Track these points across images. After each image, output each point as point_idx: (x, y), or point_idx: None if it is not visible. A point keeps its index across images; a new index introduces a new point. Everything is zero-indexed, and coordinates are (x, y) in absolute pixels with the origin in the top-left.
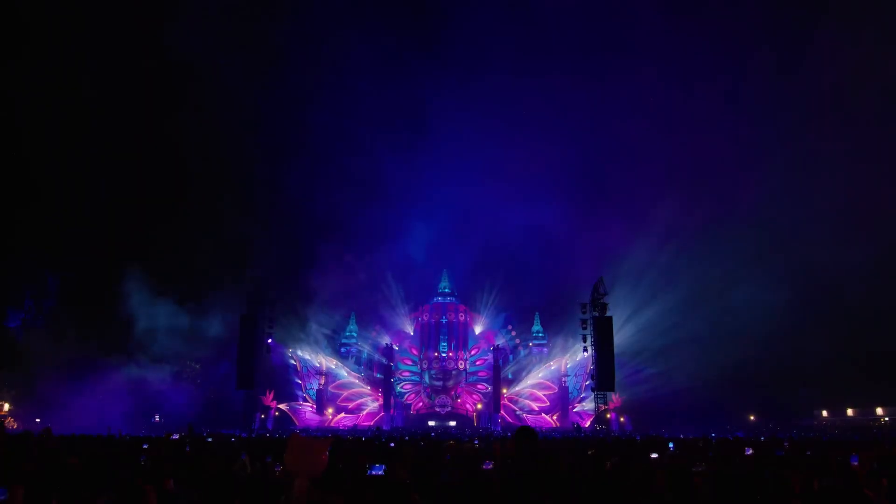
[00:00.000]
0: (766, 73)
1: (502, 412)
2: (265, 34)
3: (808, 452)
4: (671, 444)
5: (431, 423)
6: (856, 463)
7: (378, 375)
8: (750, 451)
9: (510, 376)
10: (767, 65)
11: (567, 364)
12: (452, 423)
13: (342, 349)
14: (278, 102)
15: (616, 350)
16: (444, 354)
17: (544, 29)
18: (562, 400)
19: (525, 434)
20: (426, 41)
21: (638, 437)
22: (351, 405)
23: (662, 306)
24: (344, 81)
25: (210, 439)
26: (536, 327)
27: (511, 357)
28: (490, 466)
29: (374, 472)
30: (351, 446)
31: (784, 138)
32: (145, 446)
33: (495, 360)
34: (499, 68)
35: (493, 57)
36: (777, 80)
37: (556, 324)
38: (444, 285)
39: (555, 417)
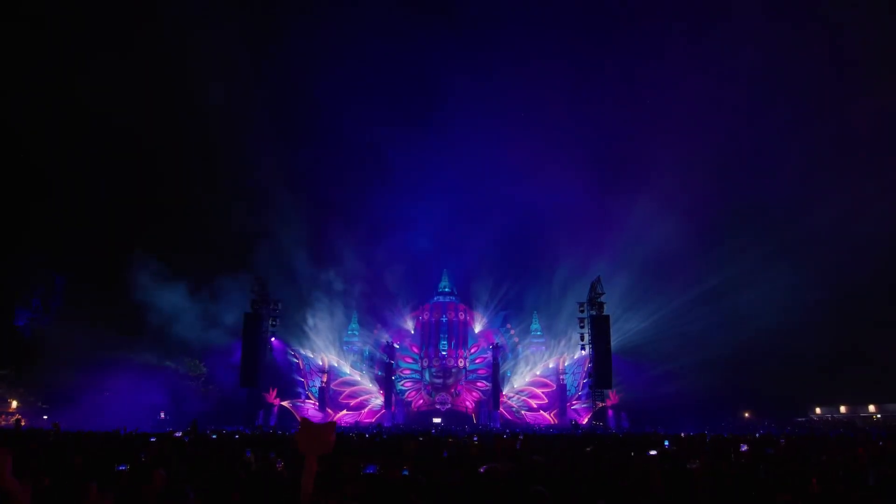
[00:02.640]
0: (782, 61)
1: (501, 409)
2: (267, 23)
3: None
4: (666, 442)
5: (436, 420)
6: None
7: (379, 373)
8: (745, 448)
9: (509, 374)
10: (786, 50)
11: (565, 362)
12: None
13: (344, 347)
14: (280, 99)
15: (613, 348)
16: (444, 353)
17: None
18: (560, 397)
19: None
20: (435, 32)
21: (632, 434)
22: (353, 402)
23: (660, 305)
24: (348, 69)
25: (214, 436)
26: (535, 326)
27: (510, 355)
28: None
29: (368, 472)
30: (353, 443)
31: (790, 131)
32: (152, 440)
33: (494, 358)
34: (505, 61)
35: (501, 49)
36: (794, 68)
37: (555, 322)
38: (444, 285)
39: (553, 415)
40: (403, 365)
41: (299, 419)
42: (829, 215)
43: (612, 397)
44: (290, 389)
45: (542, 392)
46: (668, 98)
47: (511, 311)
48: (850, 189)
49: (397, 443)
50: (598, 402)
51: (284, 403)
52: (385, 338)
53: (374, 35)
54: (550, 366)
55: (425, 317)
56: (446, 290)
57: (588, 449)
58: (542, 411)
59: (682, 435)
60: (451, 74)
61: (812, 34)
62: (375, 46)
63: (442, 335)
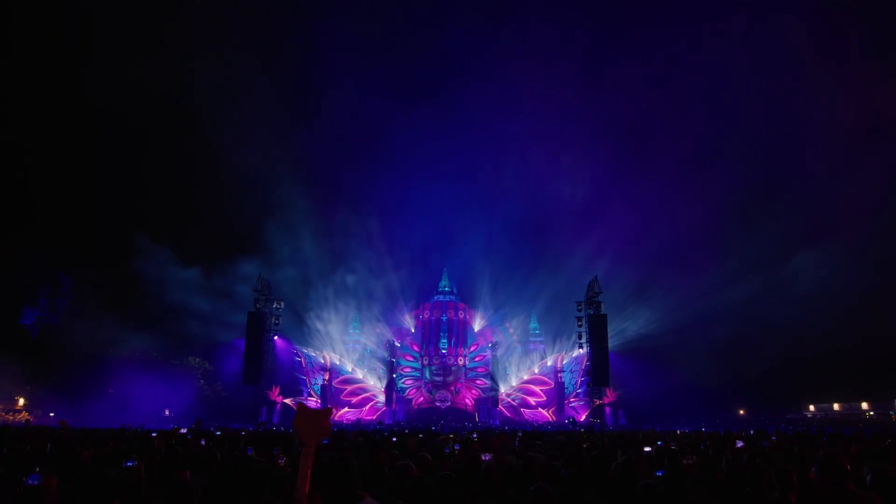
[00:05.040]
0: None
1: (500, 407)
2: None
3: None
4: (660, 442)
5: (433, 417)
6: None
7: (381, 371)
8: (741, 444)
9: (508, 372)
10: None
11: (563, 360)
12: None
13: (346, 345)
14: (280, 95)
15: (611, 346)
16: (444, 351)
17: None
18: (558, 395)
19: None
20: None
21: (628, 431)
22: (354, 400)
23: (657, 304)
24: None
25: (218, 433)
26: (533, 325)
27: (509, 353)
28: (488, 458)
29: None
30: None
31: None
32: (153, 435)
33: (494, 356)
34: (511, 53)
35: (507, 40)
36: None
37: (553, 321)
38: (444, 284)
39: (551, 412)
40: (404, 363)
41: (295, 406)
42: (829, 213)
43: (610, 395)
44: (293, 387)
45: (541, 390)
46: (671, 96)
47: (510, 310)
48: (846, 185)
49: (400, 439)
50: (595, 400)
51: (287, 401)
52: (387, 335)
53: (379, 21)
54: (549, 364)
55: (426, 315)
56: (446, 289)
57: (585, 446)
58: (540, 409)
59: (678, 431)
60: (451, 73)
61: (844, 11)
62: (380, 32)
63: (442, 333)
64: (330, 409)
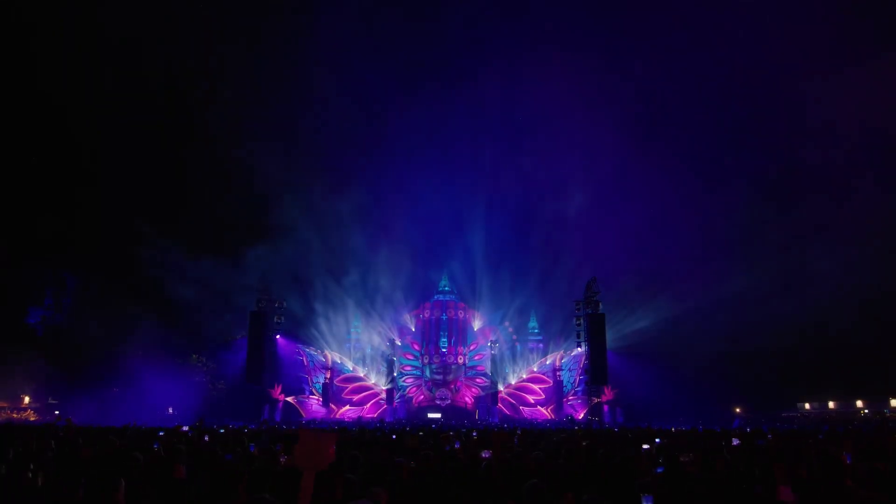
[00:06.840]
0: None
1: (500, 405)
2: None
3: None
4: (657, 440)
5: (432, 416)
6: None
7: (381, 369)
8: (737, 442)
9: (507, 371)
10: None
11: (562, 359)
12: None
13: (346, 345)
14: (276, 93)
15: (609, 345)
16: (444, 350)
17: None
18: (556, 393)
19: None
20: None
21: (621, 429)
22: (355, 398)
23: (654, 304)
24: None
25: (222, 430)
26: (532, 324)
27: (508, 352)
28: (488, 455)
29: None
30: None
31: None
32: (160, 434)
33: (493, 354)
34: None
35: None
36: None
37: (552, 320)
38: (444, 284)
39: (549, 410)
40: (404, 361)
41: (299, 430)
42: (831, 214)
43: (608, 393)
44: (295, 385)
45: (540, 388)
46: (674, 94)
47: (509, 309)
48: (848, 187)
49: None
50: (593, 398)
51: (289, 399)
52: (388, 334)
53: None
54: (548, 362)
55: (426, 315)
56: (446, 288)
57: (584, 444)
58: (539, 407)
59: (673, 430)
60: (452, 72)
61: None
62: (382, 32)
63: (442, 332)
64: (335, 435)
